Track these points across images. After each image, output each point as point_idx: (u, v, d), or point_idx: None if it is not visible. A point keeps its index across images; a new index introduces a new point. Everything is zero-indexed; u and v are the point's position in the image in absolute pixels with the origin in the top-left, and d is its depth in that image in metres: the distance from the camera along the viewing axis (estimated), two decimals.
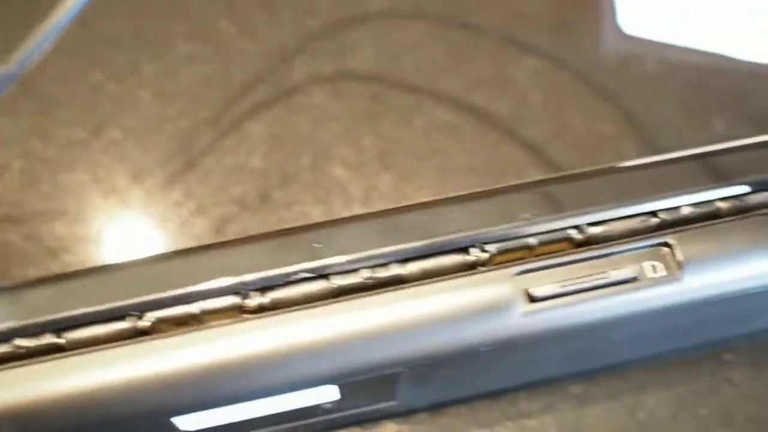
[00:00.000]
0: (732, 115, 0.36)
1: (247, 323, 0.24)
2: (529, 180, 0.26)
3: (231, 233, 0.32)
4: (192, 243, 0.32)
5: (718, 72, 0.38)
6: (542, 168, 0.34)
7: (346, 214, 0.33)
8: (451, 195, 0.26)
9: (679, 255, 0.25)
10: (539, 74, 0.37)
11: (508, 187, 0.26)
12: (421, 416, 0.31)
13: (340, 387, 0.26)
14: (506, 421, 0.31)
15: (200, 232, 0.32)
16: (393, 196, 0.34)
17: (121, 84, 0.36)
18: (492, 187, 0.26)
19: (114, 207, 0.34)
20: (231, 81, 0.36)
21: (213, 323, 0.25)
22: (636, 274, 0.25)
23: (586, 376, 0.31)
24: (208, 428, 0.26)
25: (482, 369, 0.28)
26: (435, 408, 0.31)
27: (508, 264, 0.25)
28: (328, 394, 0.26)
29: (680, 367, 0.32)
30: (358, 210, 0.33)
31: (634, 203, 0.26)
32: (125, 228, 0.33)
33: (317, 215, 0.33)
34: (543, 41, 0.38)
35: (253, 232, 0.31)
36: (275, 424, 0.27)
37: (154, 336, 0.24)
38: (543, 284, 0.24)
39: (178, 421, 0.25)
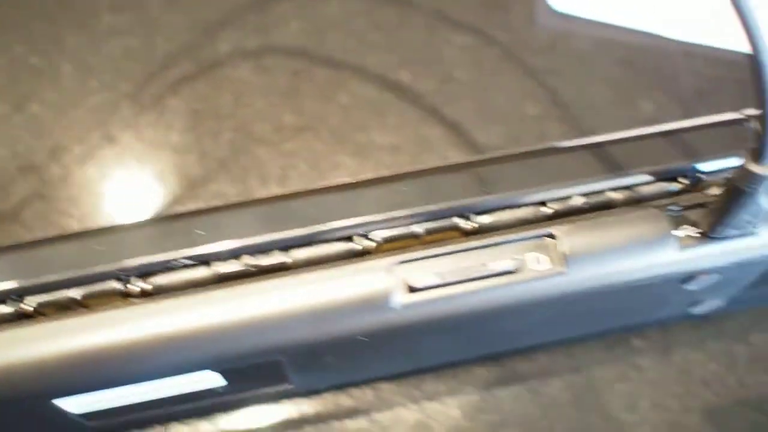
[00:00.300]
0: (660, 96, 0.35)
1: (128, 308, 0.24)
2: (420, 168, 0.26)
3: (144, 213, 0.32)
4: (102, 223, 0.32)
5: (649, 51, 0.37)
6: (464, 148, 0.34)
7: (263, 193, 0.33)
8: (340, 182, 0.26)
9: (564, 247, 0.24)
10: (466, 52, 0.36)
11: (398, 174, 0.26)
12: (325, 396, 0.31)
13: (224, 372, 0.26)
14: (410, 403, 0.31)
15: (112, 211, 0.32)
16: (310, 175, 0.33)
17: (44, 57, 0.36)
18: (380, 174, 0.26)
19: (31, 183, 0.34)
20: (154, 54, 0.36)
21: (96, 308, 0.25)
22: (517, 266, 0.24)
23: (493, 359, 0.31)
24: (98, 411, 0.26)
25: (372, 355, 0.28)
26: (339, 388, 0.31)
27: (391, 253, 0.25)
28: (213, 379, 0.26)
29: (589, 352, 0.32)
30: (275, 189, 0.33)
31: (525, 193, 0.26)
32: (36, 207, 0.33)
33: (233, 194, 0.33)
34: (471, 18, 0.37)
35: (166, 212, 0.31)
36: (167, 405, 0.27)
37: (36, 320, 0.24)
38: (422, 275, 0.24)
39: (62, 403, 0.25)
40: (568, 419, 0.31)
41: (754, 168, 0.21)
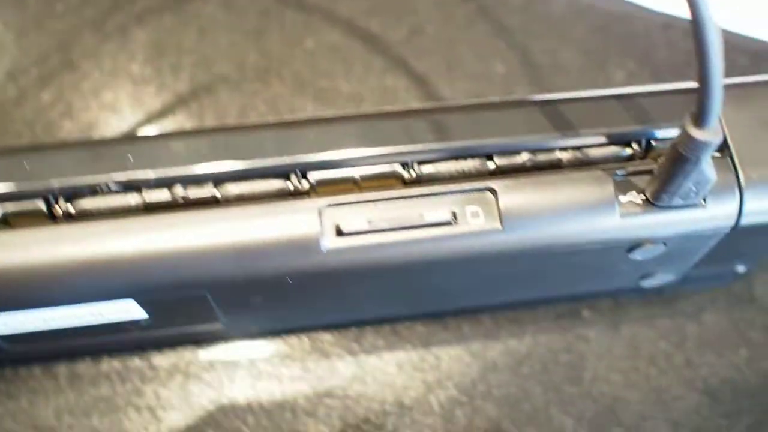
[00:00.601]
0: (632, 64, 0.34)
1: (51, 228, 0.24)
2: (366, 111, 0.25)
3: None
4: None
5: (626, 20, 0.36)
6: (427, 101, 0.33)
7: None
8: (282, 119, 0.25)
9: (503, 203, 0.24)
10: (439, 5, 0.35)
11: (343, 116, 0.25)
12: (261, 342, 0.30)
13: (147, 304, 0.25)
14: (347, 355, 0.30)
15: (64, 134, 0.32)
16: (269, 117, 0.33)
17: None
18: (323, 115, 0.25)
19: None
20: None
21: (18, 226, 0.24)
22: (452, 218, 0.23)
23: (437, 319, 0.31)
24: (19, 334, 0.26)
25: (304, 301, 0.27)
26: (276, 335, 0.30)
27: (324, 195, 0.24)
28: (135, 311, 0.25)
29: (537, 320, 0.31)
30: None
31: (470, 144, 0.25)
32: None
33: (189, 128, 0.32)
34: None
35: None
36: (94, 335, 0.27)
37: None
38: (353, 219, 0.23)
39: None
40: (507, 385, 0.30)
41: (695, 133, 0.20)
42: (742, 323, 0.31)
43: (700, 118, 0.20)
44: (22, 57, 0.33)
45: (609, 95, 0.26)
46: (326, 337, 0.30)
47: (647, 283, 0.29)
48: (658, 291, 0.31)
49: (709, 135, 0.20)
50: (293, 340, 0.30)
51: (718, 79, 0.19)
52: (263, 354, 0.30)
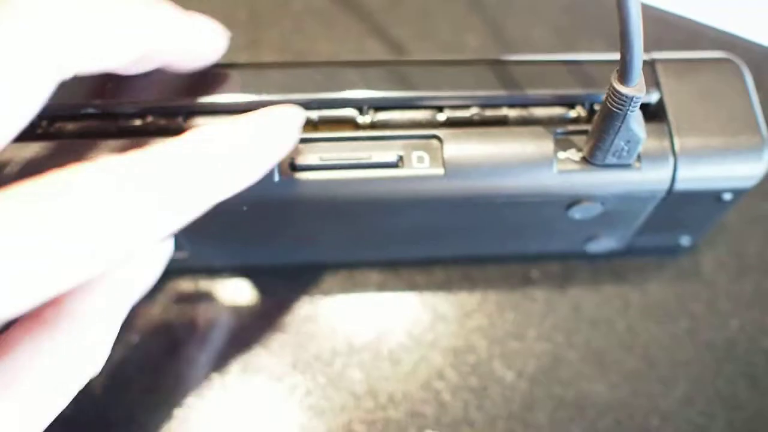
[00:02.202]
0: (601, 46, 0.36)
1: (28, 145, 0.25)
2: (330, 59, 0.27)
3: None
4: None
5: (598, 4, 0.38)
6: None
7: None
8: (253, 61, 0.27)
9: (447, 150, 0.25)
10: None
11: (307, 62, 0.27)
12: (222, 276, 0.32)
13: None
14: (304, 295, 0.32)
15: None
16: None
17: None
18: (288, 59, 0.26)
19: None
20: None
21: None
22: (398, 161, 0.25)
23: (391, 267, 0.32)
24: None
25: (260, 235, 0.29)
26: (237, 272, 0.32)
27: None
28: None
29: (486, 276, 0.33)
30: None
31: (423, 95, 0.26)
32: None
33: None
34: None
35: None
36: None
37: None
38: (306, 155, 0.25)
39: None
40: (454, 336, 0.32)
41: (620, 88, 0.22)
42: (685, 296, 0.33)
43: (624, 74, 0.21)
44: None
45: (560, 60, 0.27)
46: (284, 279, 0.32)
47: (592, 247, 0.31)
48: (606, 258, 0.32)
49: (633, 90, 0.22)
50: (254, 279, 0.32)
51: (638, 40, 0.20)
52: (223, 289, 0.32)
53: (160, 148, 0.18)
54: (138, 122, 0.26)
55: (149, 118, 0.26)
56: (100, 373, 0.20)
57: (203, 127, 0.20)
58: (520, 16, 0.37)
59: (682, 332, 0.32)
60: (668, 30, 0.37)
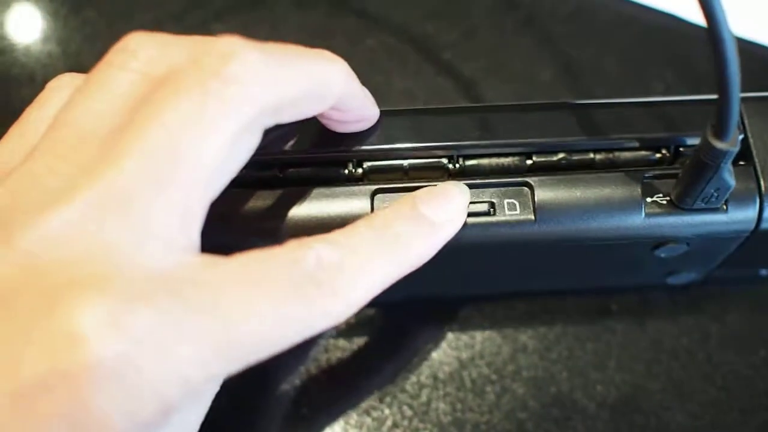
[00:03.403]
0: (670, 75, 0.36)
1: None
2: (415, 106, 0.27)
3: None
4: None
5: (666, 31, 0.38)
6: (473, 101, 0.36)
7: None
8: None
9: (538, 197, 0.26)
10: (491, 12, 0.37)
11: (394, 110, 0.28)
12: None
13: None
14: (388, 326, 0.33)
15: None
16: None
17: None
18: (383, 108, 0.27)
19: None
20: None
21: None
22: (490, 208, 0.26)
23: (474, 303, 0.33)
24: None
25: None
26: None
27: (375, 183, 0.27)
28: None
29: (566, 309, 0.33)
30: None
31: (511, 142, 0.27)
32: None
33: None
34: None
35: None
36: None
37: None
38: None
39: None
40: (536, 367, 0.33)
41: (715, 143, 0.22)
42: (764, 326, 0.33)
43: (719, 129, 0.22)
44: (111, 43, 0.37)
45: (643, 102, 0.28)
46: (372, 312, 0.33)
47: (673, 280, 0.31)
48: (684, 289, 0.33)
49: (728, 145, 0.22)
50: None
51: (736, 93, 0.21)
52: None
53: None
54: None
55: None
56: None
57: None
58: (589, 47, 0.37)
59: (760, 362, 0.33)
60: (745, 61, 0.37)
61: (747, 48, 0.38)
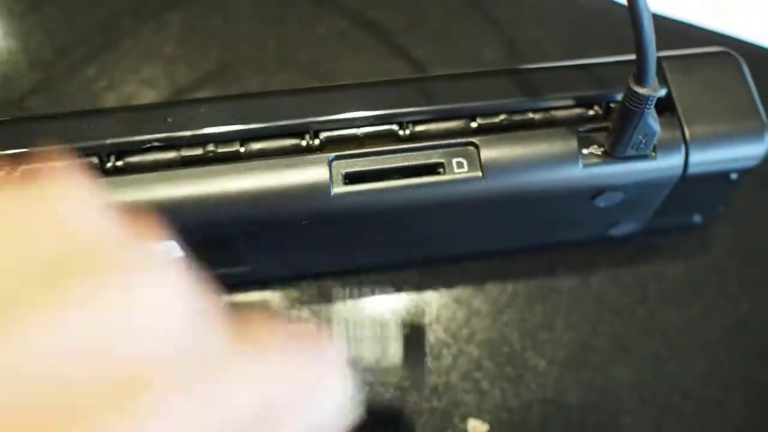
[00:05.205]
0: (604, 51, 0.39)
1: (102, 179, 0.28)
2: (367, 80, 0.29)
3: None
4: None
5: (604, 14, 0.41)
6: None
7: None
8: (295, 88, 0.29)
9: (483, 155, 0.28)
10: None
11: (347, 84, 0.29)
12: (276, 286, 0.34)
13: (185, 246, 0.29)
14: (348, 299, 0.34)
15: (107, 104, 0.36)
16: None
17: None
18: (331, 83, 0.29)
19: (38, 76, 0.38)
20: None
21: None
22: (441, 167, 0.28)
23: (428, 267, 0.35)
24: None
25: (314, 245, 0.31)
26: (288, 282, 0.35)
27: (332, 151, 0.28)
28: (174, 251, 0.29)
29: (515, 273, 0.35)
30: None
31: (456, 107, 0.29)
32: (41, 97, 0.37)
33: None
34: None
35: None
36: None
37: None
38: (357, 168, 0.28)
39: None
40: (488, 330, 0.34)
41: (637, 88, 0.24)
42: (697, 281, 0.35)
43: (640, 75, 0.24)
44: (70, 37, 0.38)
45: (575, 65, 0.30)
46: (331, 282, 0.34)
47: (614, 232, 0.33)
48: (624, 245, 0.35)
49: (649, 90, 0.24)
50: (303, 285, 0.34)
51: (652, 45, 0.23)
52: (277, 297, 0.34)
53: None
54: (198, 151, 0.28)
55: (209, 146, 0.28)
56: None
57: None
58: (531, 30, 0.40)
59: (697, 315, 0.35)
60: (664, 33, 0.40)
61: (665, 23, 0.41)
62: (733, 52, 0.31)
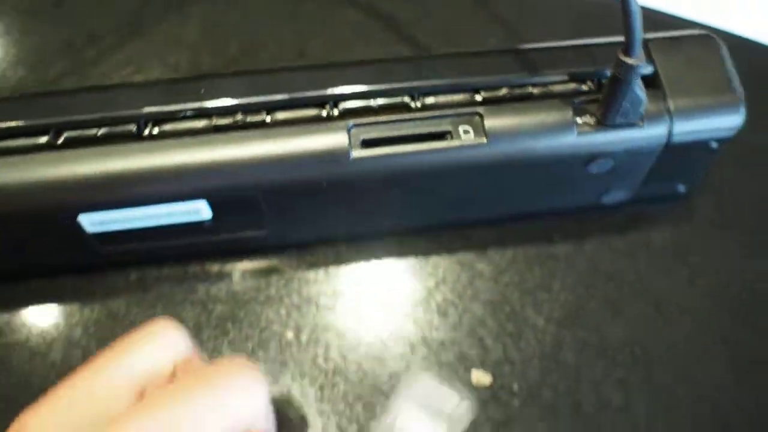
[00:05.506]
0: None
1: (141, 143, 0.31)
2: (381, 57, 0.32)
3: None
4: None
5: (605, 9, 0.44)
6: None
7: None
8: (317, 63, 0.32)
9: (488, 124, 0.31)
10: None
11: (363, 61, 0.32)
12: (292, 252, 0.37)
13: (213, 205, 0.32)
14: (361, 260, 0.37)
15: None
16: None
17: None
18: (349, 59, 0.32)
19: (69, 61, 0.41)
20: None
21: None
22: (449, 134, 0.31)
23: (433, 234, 0.38)
24: (111, 232, 0.33)
25: (331, 210, 0.34)
26: (303, 247, 0.37)
27: (350, 119, 0.31)
28: (203, 210, 0.32)
29: (516, 239, 0.38)
30: None
31: (463, 81, 0.32)
32: (71, 80, 0.40)
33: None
34: None
35: None
36: (166, 238, 0.34)
37: (68, 149, 0.31)
38: (374, 134, 0.31)
39: (85, 219, 0.32)
40: (491, 291, 0.37)
41: (625, 59, 0.28)
42: (683, 247, 0.39)
43: (627, 47, 0.27)
44: (100, 25, 0.41)
45: (572, 45, 0.33)
46: (344, 248, 0.37)
47: (606, 199, 0.36)
48: (616, 213, 0.38)
49: (636, 60, 0.28)
50: (317, 250, 0.37)
51: (639, 20, 0.27)
52: (293, 262, 0.37)
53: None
54: (228, 120, 0.31)
55: (238, 115, 0.31)
56: None
57: None
58: (537, 28, 0.43)
59: (683, 279, 0.38)
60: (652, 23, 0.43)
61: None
62: (713, 35, 0.34)
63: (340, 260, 0.37)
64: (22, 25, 0.42)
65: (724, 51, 0.33)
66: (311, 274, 0.37)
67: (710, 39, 0.33)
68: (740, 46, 0.38)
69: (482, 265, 0.38)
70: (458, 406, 0.34)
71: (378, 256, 0.37)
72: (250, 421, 0.24)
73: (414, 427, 0.33)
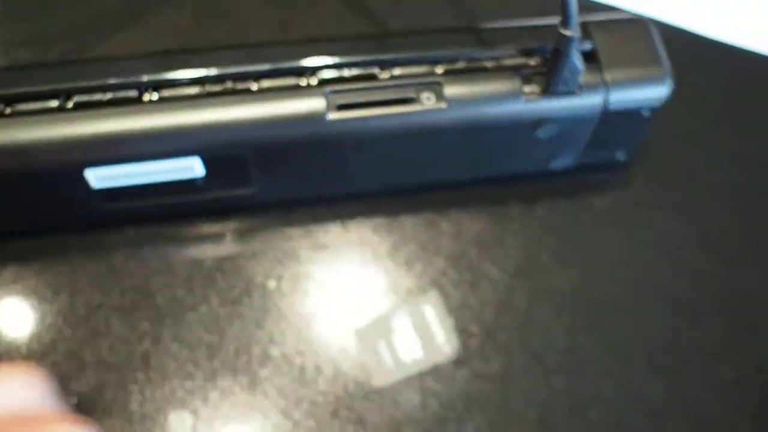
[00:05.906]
0: None
1: (143, 105, 0.35)
2: (353, 32, 0.37)
3: None
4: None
5: None
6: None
7: None
8: (302, 38, 0.37)
9: (447, 90, 0.36)
10: None
11: (339, 36, 0.37)
12: (276, 210, 0.42)
13: (206, 162, 0.36)
14: (336, 219, 0.42)
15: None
16: None
17: None
18: (327, 35, 0.37)
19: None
20: None
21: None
22: (413, 99, 0.35)
23: (402, 195, 0.42)
24: (114, 188, 0.37)
25: (309, 169, 0.38)
26: (287, 207, 0.42)
27: (327, 86, 0.36)
28: (197, 167, 0.36)
29: (474, 201, 0.43)
30: None
31: (425, 55, 0.37)
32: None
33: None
34: None
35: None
36: (162, 195, 0.38)
37: (77, 111, 0.35)
38: (348, 99, 0.35)
39: (91, 174, 0.36)
40: (452, 247, 0.42)
41: (564, 31, 0.32)
42: (622, 209, 0.43)
43: (564, 20, 0.32)
44: (100, 8, 0.45)
45: (521, 26, 0.38)
46: (322, 208, 0.42)
47: (554, 164, 0.41)
48: (563, 178, 0.43)
49: (572, 32, 0.32)
50: (299, 210, 0.42)
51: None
52: (277, 221, 0.41)
53: None
54: (219, 87, 0.36)
55: (228, 83, 0.36)
56: None
57: None
58: (492, 9, 0.48)
59: (622, 237, 0.43)
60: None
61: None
62: (644, 18, 0.39)
63: (318, 219, 0.42)
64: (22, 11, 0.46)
65: (655, 32, 0.38)
66: (292, 231, 0.41)
67: (642, 21, 0.38)
68: (669, 32, 0.43)
69: (445, 224, 0.42)
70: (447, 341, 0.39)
71: (352, 216, 0.42)
72: None
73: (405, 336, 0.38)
